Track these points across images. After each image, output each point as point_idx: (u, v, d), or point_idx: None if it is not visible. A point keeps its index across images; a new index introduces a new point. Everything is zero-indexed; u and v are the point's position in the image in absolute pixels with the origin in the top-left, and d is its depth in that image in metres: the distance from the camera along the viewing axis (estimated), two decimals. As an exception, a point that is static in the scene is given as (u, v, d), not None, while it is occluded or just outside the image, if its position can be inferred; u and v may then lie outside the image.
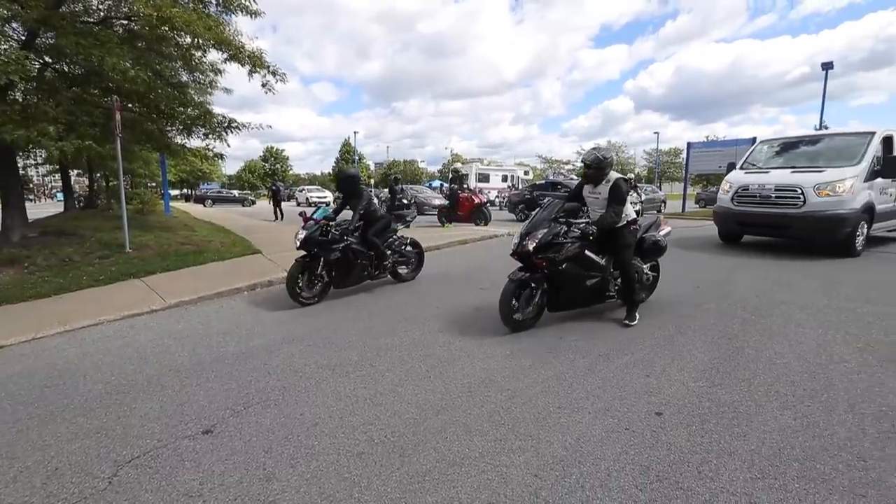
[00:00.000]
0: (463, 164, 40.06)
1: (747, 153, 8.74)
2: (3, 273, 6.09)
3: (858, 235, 6.77)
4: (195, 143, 9.94)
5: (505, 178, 27.72)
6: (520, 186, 25.08)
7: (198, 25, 6.26)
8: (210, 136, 8.79)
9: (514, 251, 3.79)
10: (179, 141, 9.99)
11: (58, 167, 16.51)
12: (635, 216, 4.06)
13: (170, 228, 11.16)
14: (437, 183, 35.72)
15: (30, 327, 4.19)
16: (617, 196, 3.80)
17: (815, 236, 6.93)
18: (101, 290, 5.62)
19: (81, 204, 20.28)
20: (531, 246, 3.61)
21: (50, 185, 46.35)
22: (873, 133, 7.18)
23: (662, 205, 22.09)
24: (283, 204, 17.71)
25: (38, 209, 20.67)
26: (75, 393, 2.96)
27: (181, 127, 8.87)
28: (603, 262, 3.99)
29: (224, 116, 8.82)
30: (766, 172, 7.63)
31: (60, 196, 22.27)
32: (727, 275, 5.84)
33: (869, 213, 6.91)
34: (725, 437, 2.27)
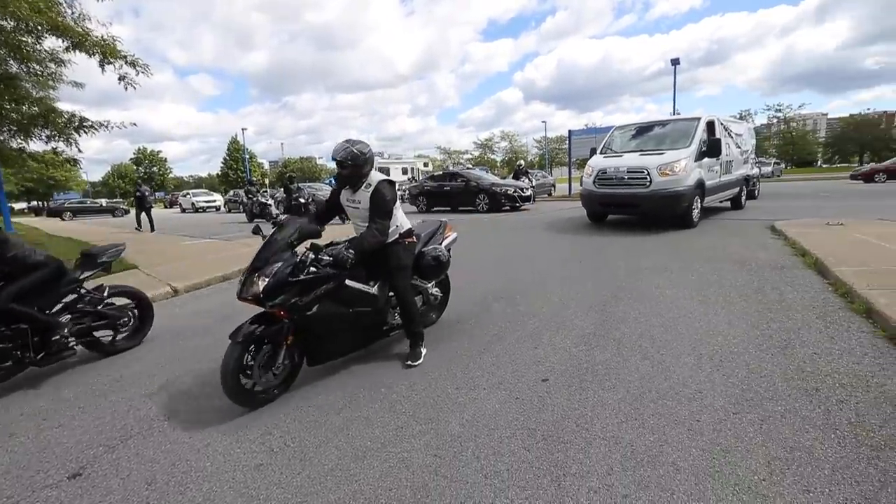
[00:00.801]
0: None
1: (605, 139, 9.66)
2: None
3: (694, 209, 7.76)
4: (37, 146, 8.45)
5: (405, 171, 27.85)
6: (419, 178, 25.37)
7: (19, 6, 5.25)
8: (55, 138, 7.50)
9: (239, 294, 2.64)
10: (15, 145, 8.42)
11: None
12: (409, 227, 3.19)
13: (13, 249, 9.38)
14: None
15: None
16: (380, 206, 2.89)
17: (660, 212, 7.73)
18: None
19: None
20: (261, 287, 2.52)
21: None
22: (699, 119, 8.27)
23: (552, 188, 23.97)
24: (166, 211, 16.33)
25: None
26: None
27: (14, 128, 7.44)
28: (374, 290, 3.04)
29: (74, 115, 7.58)
30: (621, 156, 8.46)
31: None
32: (602, 249, 6.56)
33: (701, 188, 7.94)
34: (599, 391, 2.59)
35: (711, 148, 7.97)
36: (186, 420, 2.60)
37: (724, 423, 2.20)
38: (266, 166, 70.99)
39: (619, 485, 1.84)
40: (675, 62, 27.42)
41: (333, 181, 18.53)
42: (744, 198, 10.73)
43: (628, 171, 7.84)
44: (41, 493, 2.05)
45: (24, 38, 6.68)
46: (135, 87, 6.67)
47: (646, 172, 7.54)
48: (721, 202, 9.86)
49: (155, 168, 64.92)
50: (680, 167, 7.40)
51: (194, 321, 4.53)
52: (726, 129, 9.13)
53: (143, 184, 15.88)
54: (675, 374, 2.71)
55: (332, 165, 3.52)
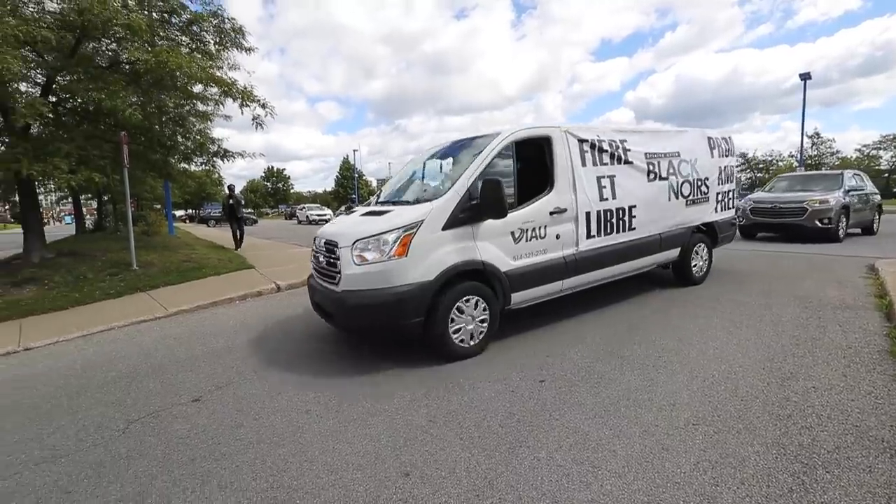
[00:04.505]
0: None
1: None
2: (27, 289, 6.92)
3: (460, 326, 3.70)
4: (195, 168, 10.93)
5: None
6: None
7: (191, 67, 7.14)
8: (206, 164, 9.74)
9: None
10: (182, 167, 10.97)
11: (68, 193, 17.56)
12: None
13: (172, 248, 12.03)
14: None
15: (52, 333, 4.99)
16: None
17: (365, 331, 4.07)
18: (112, 302, 6.42)
19: (90, 227, 21.29)
20: None
21: (58, 210, 49.39)
22: (498, 135, 4.13)
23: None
24: (286, 222, 17.83)
25: (48, 232, 21.66)
26: (93, 378, 3.75)
27: (180, 157, 9.83)
28: None
29: (220, 147, 9.77)
30: (353, 215, 4.68)
31: (69, 219, 23.32)
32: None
33: (475, 276, 3.79)
34: (584, 394, 3.01)
35: (488, 203, 3.68)
36: (269, 374, 3.57)
37: (679, 430, 2.51)
38: (374, 184, 77.34)
39: (560, 458, 2.31)
40: (806, 77, 24.86)
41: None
42: (699, 264, 5.92)
43: (326, 250, 4.00)
44: (176, 407, 3.11)
45: (192, 88, 8.90)
46: (263, 127, 8.46)
47: (336, 255, 3.75)
48: (617, 278, 5.11)
49: (280, 184, 74.44)
50: (398, 246, 3.52)
51: (287, 311, 5.72)
52: (616, 153, 4.83)
53: (233, 191, 12.45)
54: (659, 388, 3.01)
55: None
